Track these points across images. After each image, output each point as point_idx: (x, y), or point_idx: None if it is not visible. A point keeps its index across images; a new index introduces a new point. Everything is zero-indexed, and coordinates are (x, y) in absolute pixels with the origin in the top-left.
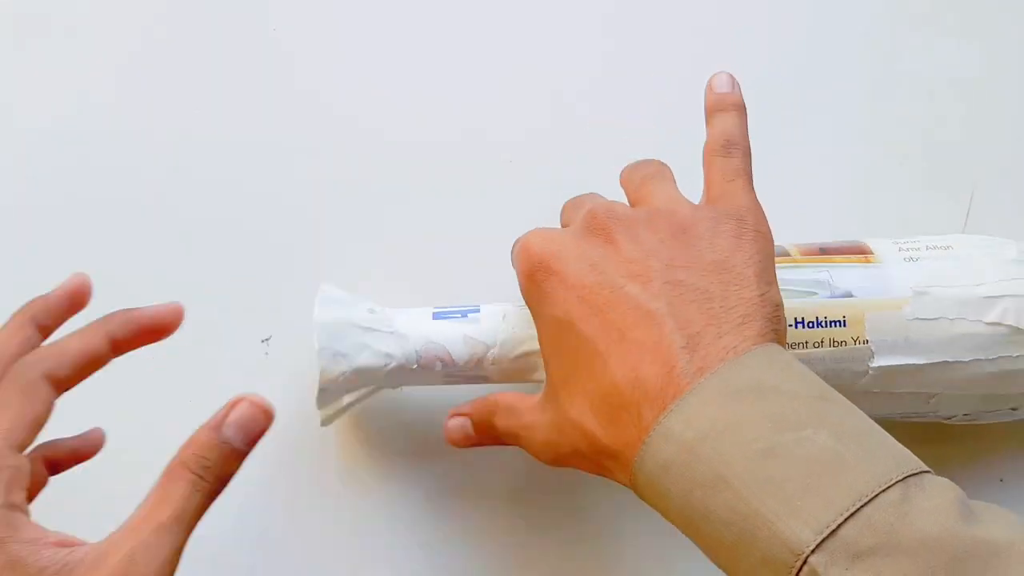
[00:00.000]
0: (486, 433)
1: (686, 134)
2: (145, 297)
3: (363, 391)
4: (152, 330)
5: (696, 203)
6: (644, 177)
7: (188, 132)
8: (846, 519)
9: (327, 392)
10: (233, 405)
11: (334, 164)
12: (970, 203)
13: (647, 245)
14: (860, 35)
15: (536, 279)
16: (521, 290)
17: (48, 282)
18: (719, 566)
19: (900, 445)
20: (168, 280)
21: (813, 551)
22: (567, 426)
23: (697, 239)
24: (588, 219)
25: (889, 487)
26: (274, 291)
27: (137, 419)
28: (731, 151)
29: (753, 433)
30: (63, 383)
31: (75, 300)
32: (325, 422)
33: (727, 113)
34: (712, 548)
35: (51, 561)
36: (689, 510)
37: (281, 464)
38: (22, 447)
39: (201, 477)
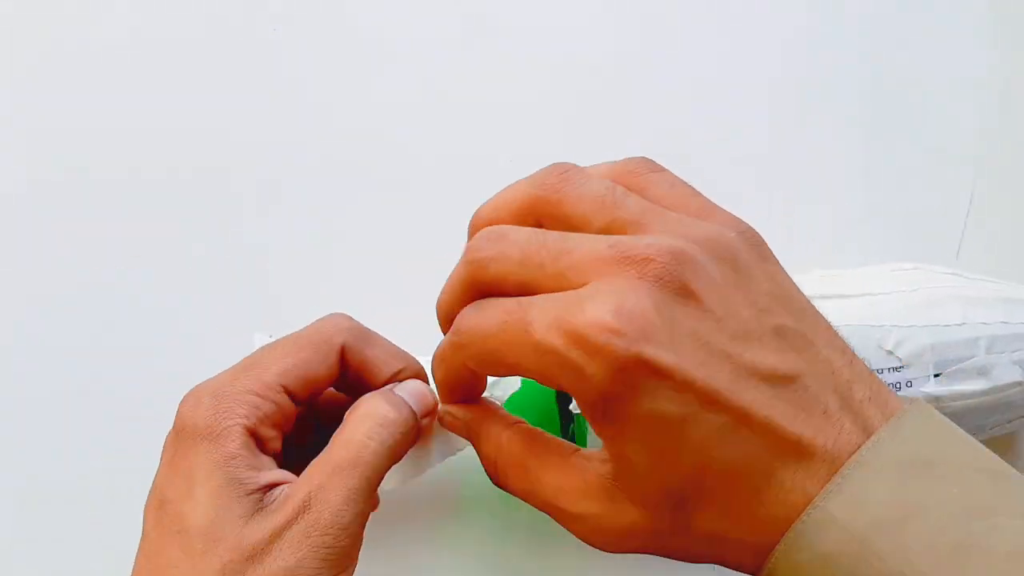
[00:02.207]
0: (488, 463)
1: (687, 134)
2: (145, 298)
3: None
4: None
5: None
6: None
7: (189, 132)
8: None
9: None
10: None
11: (334, 164)
12: (970, 205)
13: (724, 290)
14: (860, 35)
15: (627, 380)
16: (597, 398)
17: (47, 280)
18: None
19: None
20: (168, 281)
21: None
22: (678, 537)
23: (748, 267)
24: (657, 270)
25: None
26: (275, 294)
27: (136, 419)
28: (652, 164)
29: (938, 523)
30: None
31: None
32: None
33: (592, 167)
34: None
35: (255, 487)
36: None
37: None
38: (291, 392)
39: (382, 425)
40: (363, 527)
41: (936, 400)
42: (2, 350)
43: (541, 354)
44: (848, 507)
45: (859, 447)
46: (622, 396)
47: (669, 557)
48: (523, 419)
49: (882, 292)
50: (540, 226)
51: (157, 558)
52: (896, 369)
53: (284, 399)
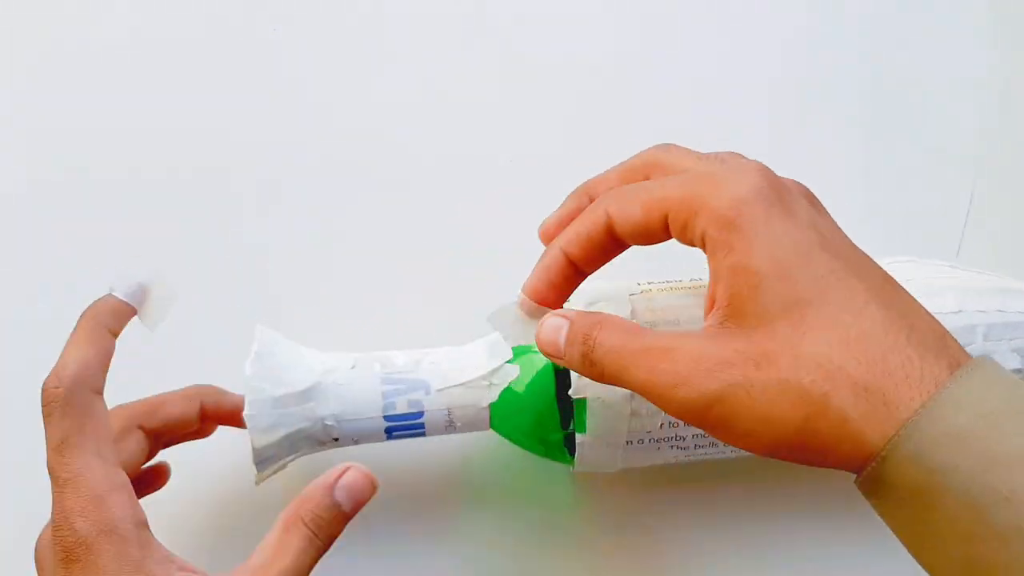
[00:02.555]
0: (579, 356)
1: (688, 133)
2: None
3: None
4: (129, 312)
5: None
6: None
7: (188, 132)
8: None
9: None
10: (344, 470)
11: (334, 164)
12: (970, 204)
13: (826, 226)
14: (860, 36)
15: (770, 196)
16: (736, 201)
17: (47, 277)
18: (990, 568)
19: None
20: (171, 272)
21: None
22: (785, 356)
23: (816, 202)
24: (801, 188)
25: None
26: (275, 294)
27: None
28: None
29: None
30: (103, 390)
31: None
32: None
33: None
34: (1000, 540)
35: None
36: (980, 491)
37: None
38: (116, 459)
39: (315, 535)
40: None
41: None
42: (2, 349)
43: (698, 178)
44: (977, 393)
45: (962, 357)
46: (759, 207)
47: (763, 407)
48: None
49: None
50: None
51: None
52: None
53: (122, 475)
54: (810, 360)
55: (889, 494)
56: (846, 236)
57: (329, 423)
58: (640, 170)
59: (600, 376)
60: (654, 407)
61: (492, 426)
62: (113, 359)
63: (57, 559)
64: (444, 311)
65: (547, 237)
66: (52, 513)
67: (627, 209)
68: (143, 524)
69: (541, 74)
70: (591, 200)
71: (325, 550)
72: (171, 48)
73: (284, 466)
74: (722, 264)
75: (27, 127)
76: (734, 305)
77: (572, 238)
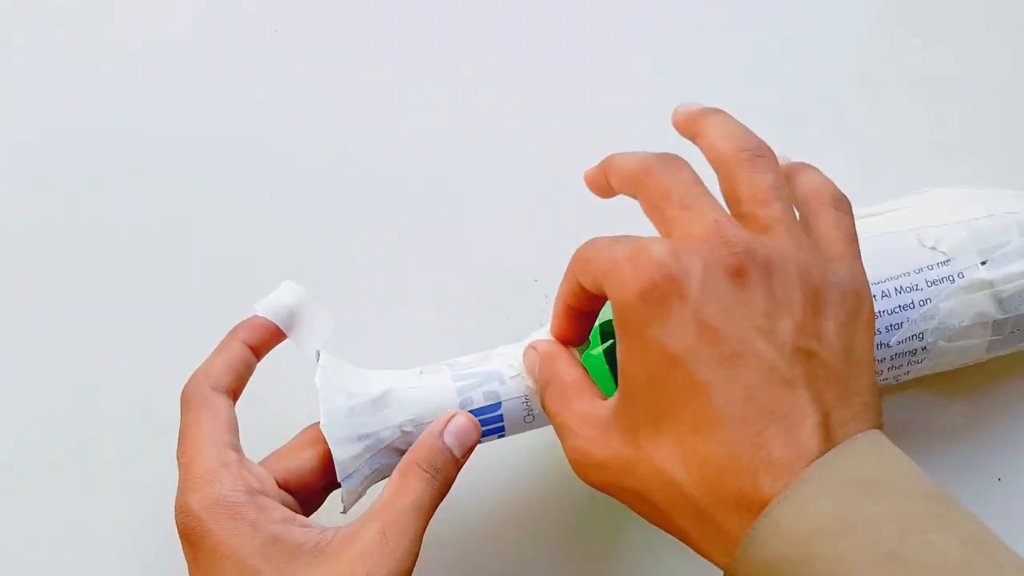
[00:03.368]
0: (539, 385)
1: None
2: (148, 301)
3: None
4: (270, 330)
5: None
6: (767, 174)
7: (190, 132)
8: None
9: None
10: (451, 416)
11: (336, 164)
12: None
13: (780, 301)
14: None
15: (654, 297)
16: (622, 304)
17: (49, 278)
18: None
19: (1021, 556)
20: (169, 281)
21: None
22: (642, 467)
23: (825, 306)
24: (722, 250)
25: None
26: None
27: (140, 419)
28: (843, 205)
29: (875, 534)
30: (229, 390)
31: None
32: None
33: (807, 169)
34: None
35: (305, 538)
36: None
37: None
38: (232, 446)
39: (432, 475)
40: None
41: (990, 284)
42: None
43: (608, 260)
44: (793, 517)
45: (815, 460)
46: (640, 311)
47: (630, 502)
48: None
49: (908, 207)
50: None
51: None
52: (944, 264)
53: (233, 453)
54: (658, 480)
55: None
56: (769, 317)
57: (407, 429)
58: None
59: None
60: None
61: None
62: (113, 361)
63: (182, 539)
64: (458, 319)
65: (590, 182)
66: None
67: (583, 279)
68: (258, 491)
69: (541, 74)
70: (571, 309)
71: (443, 492)
72: (171, 47)
73: (367, 487)
74: (619, 364)
75: (30, 126)
76: (621, 402)
77: (565, 295)
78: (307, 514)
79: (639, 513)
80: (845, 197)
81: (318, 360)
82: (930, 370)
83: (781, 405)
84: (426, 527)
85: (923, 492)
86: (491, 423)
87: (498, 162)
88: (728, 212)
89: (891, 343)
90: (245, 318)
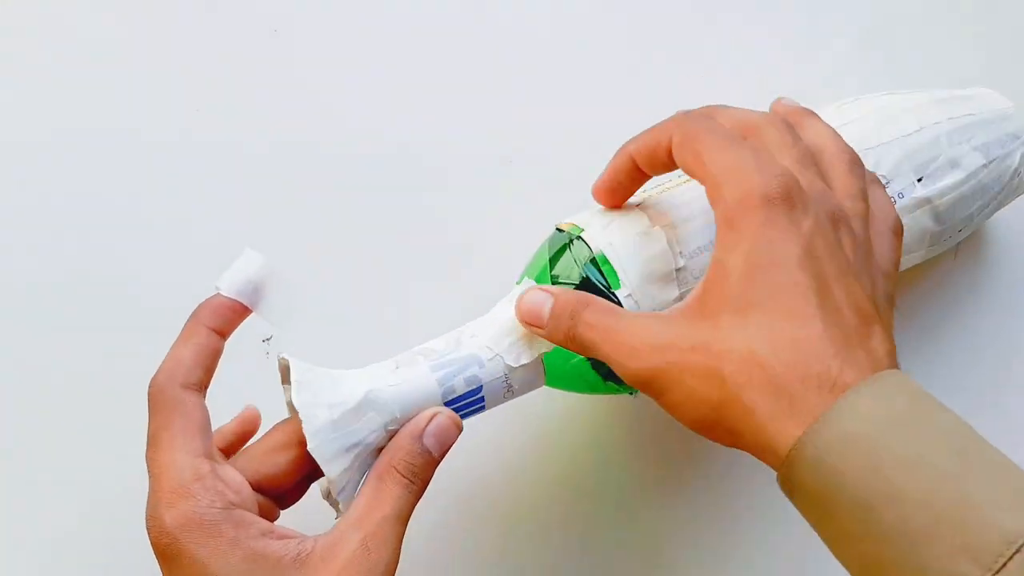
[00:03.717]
0: (560, 330)
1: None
2: (146, 298)
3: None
4: (234, 308)
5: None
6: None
7: (190, 131)
8: None
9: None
10: (431, 417)
11: (335, 163)
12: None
13: (854, 262)
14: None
15: (776, 206)
16: (742, 199)
17: (49, 277)
18: (882, 566)
19: None
20: (168, 279)
21: None
22: (719, 344)
23: (873, 272)
24: (828, 200)
25: None
26: None
27: (139, 418)
28: (856, 167)
29: (946, 433)
30: (199, 385)
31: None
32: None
33: (812, 119)
34: (886, 539)
35: (285, 551)
36: (871, 489)
37: None
38: (206, 454)
39: (411, 481)
40: None
41: (928, 201)
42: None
43: (736, 157)
44: (876, 401)
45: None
46: (759, 211)
47: (687, 386)
48: None
49: (841, 124)
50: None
51: None
52: (885, 186)
53: (208, 464)
54: (737, 353)
55: (799, 496)
56: (851, 267)
57: (392, 428)
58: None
59: (572, 347)
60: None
61: (547, 382)
62: (116, 360)
63: (156, 555)
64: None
65: (599, 194)
66: (146, 509)
67: (682, 152)
68: (235, 504)
69: (541, 73)
70: (632, 161)
71: (420, 495)
72: (170, 47)
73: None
74: (713, 256)
75: (32, 124)
76: (704, 292)
77: (640, 148)
78: (284, 508)
79: (686, 401)
80: (855, 154)
81: (287, 366)
82: None
83: (860, 324)
84: (404, 532)
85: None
86: (472, 405)
87: (497, 161)
88: None
89: None
90: (203, 301)
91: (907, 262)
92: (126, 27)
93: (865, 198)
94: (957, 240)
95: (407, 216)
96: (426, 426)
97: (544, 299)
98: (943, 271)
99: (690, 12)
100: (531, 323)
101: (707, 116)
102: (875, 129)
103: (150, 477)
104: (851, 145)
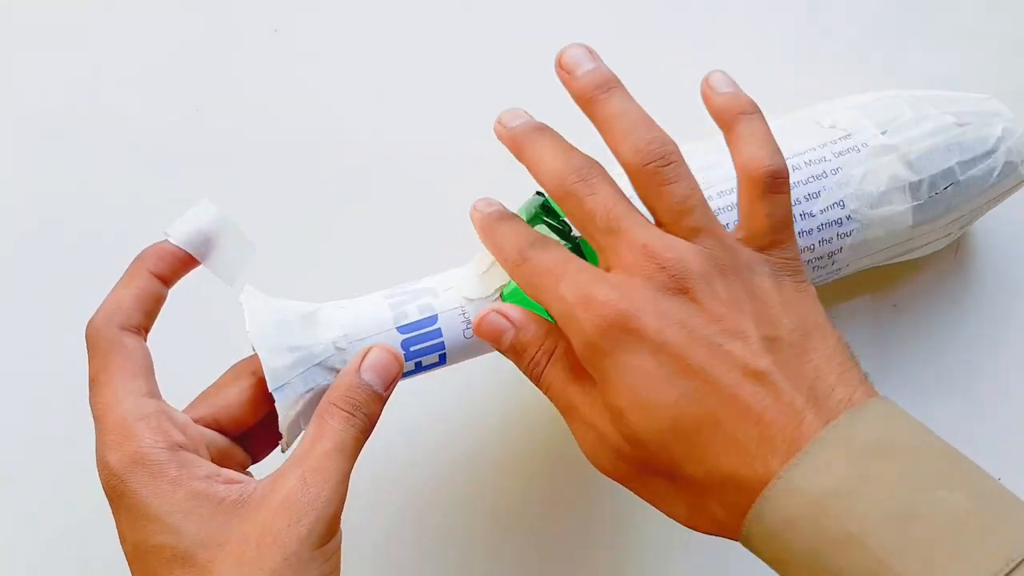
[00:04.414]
0: (526, 370)
1: (685, 129)
2: None
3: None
4: (182, 257)
5: (734, 235)
6: (661, 171)
7: (190, 131)
8: None
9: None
10: (367, 351)
11: (335, 162)
12: None
13: (729, 302)
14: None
15: (612, 335)
16: (583, 345)
17: (48, 275)
18: None
19: None
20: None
21: None
22: (663, 477)
23: (766, 293)
24: (661, 276)
25: None
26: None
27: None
28: (781, 186)
29: (886, 493)
30: (138, 329)
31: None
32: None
33: (753, 122)
34: None
35: (228, 492)
36: (815, 569)
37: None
38: (149, 393)
39: (351, 414)
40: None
41: (895, 149)
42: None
43: (558, 301)
44: (807, 477)
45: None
46: (604, 349)
47: (654, 500)
48: None
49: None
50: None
51: None
52: (845, 138)
53: (153, 402)
54: (682, 482)
55: (764, 559)
56: (724, 319)
57: (341, 346)
58: (637, 177)
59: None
60: None
61: None
62: None
63: (106, 495)
64: None
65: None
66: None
67: (523, 284)
68: (180, 446)
69: (542, 73)
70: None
71: (367, 430)
72: (171, 46)
73: (304, 412)
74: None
75: (33, 123)
76: (618, 432)
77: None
78: (257, 460)
79: (659, 506)
80: (780, 167)
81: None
82: (864, 249)
83: (767, 395)
84: (351, 468)
85: (932, 451)
86: (429, 339)
87: (502, 162)
88: (652, 223)
89: (814, 212)
90: (151, 245)
91: (897, 220)
92: (126, 26)
93: (695, 199)
94: (955, 225)
95: (408, 216)
96: (361, 361)
97: (504, 327)
98: (942, 268)
99: (691, 12)
100: (492, 343)
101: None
102: (831, 103)
103: (94, 420)
104: (806, 116)
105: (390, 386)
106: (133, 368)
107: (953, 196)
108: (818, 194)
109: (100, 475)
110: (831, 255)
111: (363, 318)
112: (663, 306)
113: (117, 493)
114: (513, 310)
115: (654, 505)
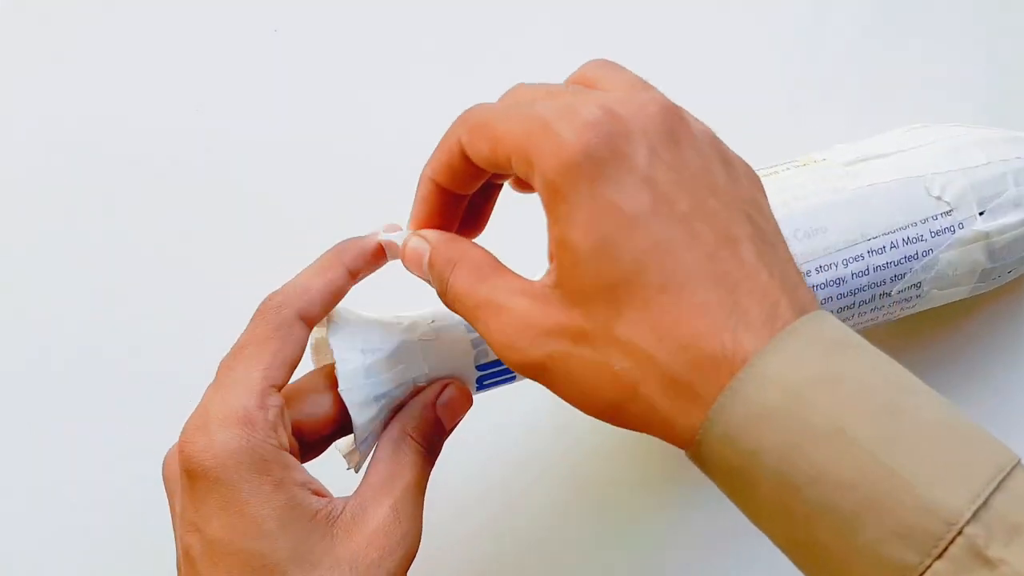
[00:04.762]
0: (439, 288)
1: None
2: (144, 296)
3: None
4: (379, 254)
5: None
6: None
7: (190, 130)
8: (994, 490)
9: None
10: (443, 387)
11: (335, 162)
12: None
13: (711, 165)
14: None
15: (601, 155)
16: (562, 165)
17: (48, 274)
18: (810, 546)
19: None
20: (167, 273)
21: (968, 522)
22: (600, 338)
23: (736, 172)
24: (651, 108)
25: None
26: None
27: (146, 401)
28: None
29: (870, 386)
30: (313, 322)
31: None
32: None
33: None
34: (812, 519)
35: (319, 506)
36: (789, 470)
37: None
38: (280, 387)
39: (426, 450)
40: None
41: (986, 236)
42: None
43: (531, 119)
44: (786, 365)
45: (793, 321)
46: (585, 170)
47: (579, 381)
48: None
49: (911, 148)
50: None
51: None
52: (947, 213)
53: (281, 400)
54: (621, 346)
55: (714, 472)
56: (709, 174)
57: (421, 384)
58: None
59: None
60: None
61: None
62: (122, 343)
63: (184, 470)
64: None
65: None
66: (193, 413)
67: (475, 144)
68: (283, 446)
69: (543, 73)
70: (435, 184)
71: (432, 465)
72: (170, 47)
73: (375, 436)
74: (551, 232)
75: (32, 128)
76: (560, 276)
77: (436, 167)
78: (304, 463)
79: (581, 397)
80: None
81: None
82: (911, 311)
83: (743, 265)
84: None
85: (892, 359)
86: (502, 374)
87: None
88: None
89: (892, 292)
90: (353, 238)
91: (951, 296)
92: (126, 25)
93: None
94: (1004, 281)
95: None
96: (438, 396)
97: (422, 249)
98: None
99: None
100: (417, 275)
101: (485, 104)
102: (944, 156)
103: (213, 385)
104: (919, 169)
105: (455, 425)
106: (284, 358)
107: (1014, 276)
108: (903, 276)
109: (187, 447)
110: (885, 318)
111: (447, 356)
112: (654, 139)
113: (209, 479)
114: (429, 232)
115: (565, 391)
